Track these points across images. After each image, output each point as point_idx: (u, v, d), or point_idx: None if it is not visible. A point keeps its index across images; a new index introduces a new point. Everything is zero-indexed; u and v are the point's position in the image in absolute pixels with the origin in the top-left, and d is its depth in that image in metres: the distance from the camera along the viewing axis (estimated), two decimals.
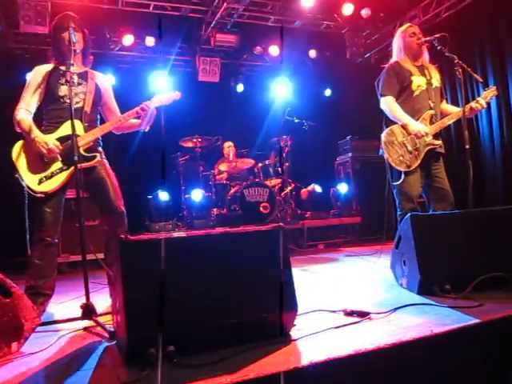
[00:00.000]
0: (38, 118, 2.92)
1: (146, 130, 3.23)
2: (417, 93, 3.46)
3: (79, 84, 2.99)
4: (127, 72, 7.55)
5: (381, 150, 3.51)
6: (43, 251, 2.80)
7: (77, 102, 2.93)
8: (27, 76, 2.95)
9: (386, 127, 3.51)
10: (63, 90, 2.91)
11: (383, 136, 3.47)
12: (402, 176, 3.38)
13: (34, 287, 2.76)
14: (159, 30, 6.91)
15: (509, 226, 2.78)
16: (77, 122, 2.85)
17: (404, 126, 3.42)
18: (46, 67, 2.97)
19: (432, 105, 3.47)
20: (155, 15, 6.71)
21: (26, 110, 2.87)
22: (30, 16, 5.72)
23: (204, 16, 7.01)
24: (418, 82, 3.47)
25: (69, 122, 2.76)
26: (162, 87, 7.22)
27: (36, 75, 2.93)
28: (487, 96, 3.54)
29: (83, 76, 3.04)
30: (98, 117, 3.16)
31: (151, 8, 6.59)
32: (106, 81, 3.25)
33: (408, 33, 3.55)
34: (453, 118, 3.49)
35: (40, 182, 2.79)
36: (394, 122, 3.47)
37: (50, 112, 2.93)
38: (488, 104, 3.61)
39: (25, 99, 2.89)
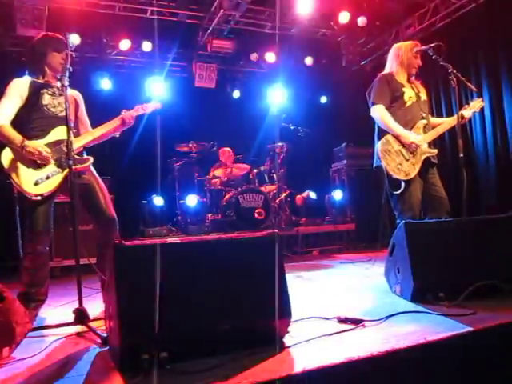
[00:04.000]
0: (19, 130, 2.87)
1: (118, 136, 3.27)
2: (409, 103, 3.48)
3: (60, 95, 3.02)
4: (124, 77, 7.55)
5: (377, 161, 3.49)
6: (34, 260, 2.80)
7: (61, 111, 2.98)
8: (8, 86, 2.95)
9: (378, 137, 3.51)
10: (46, 99, 2.96)
11: (379, 145, 3.46)
12: (403, 185, 3.36)
13: (27, 294, 2.75)
14: (156, 35, 6.92)
15: (503, 234, 2.80)
16: (66, 128, 2.87)
17: (396, 137, 3.43)
18: (26, 80, 2.98)
19: (424, 115, 3.51)
20: (152, 20, 6.73)
21: (4, 117, 2.83)
22: (27, 19, 5.70)
23: (201, 22, 7.03)
24: (409, 93, 3.50)
25: (58, 128, 2.90)
26: (159, 92, 7.23)
27: (16, 85, 2.93)
28: (475, 106, 3.61)
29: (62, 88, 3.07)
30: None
31: (148, 13, 6.61)
32: (80, 96, 3.28)
33: (413, 52, 3.54)
34: (445, 126, 3.53)
35: (36, 183, 2.77)
36: (386, 132, 3.48)
37: (34, 121, 2.91)
38: (480, 113, 3.65)
39: (4, 108, 2.86)
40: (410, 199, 3.36)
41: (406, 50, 3.58)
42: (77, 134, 3.07)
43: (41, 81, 2.99)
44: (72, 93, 3.16)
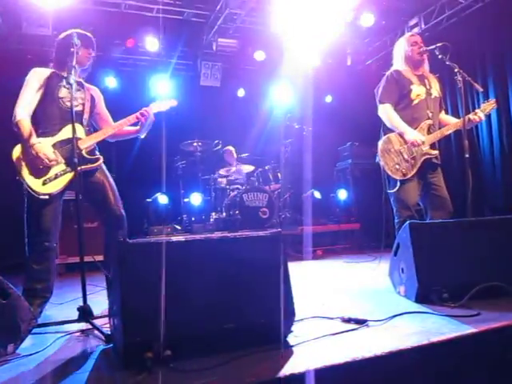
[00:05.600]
0: (36, 122, 2.89)
1: (142, 137, 3.27)
2: (416, 102, 3.46)
3: (78, 90, 3.00)
4: (129, 75, 7.57)
5: (377, 158, 3.51)
6: (41, 256, 2.79)
7: (76, 106, 2.94)
8: (27, 77, 2.95)
9: (384, 135, 3.51)
10: (63, 92, 2.94)
11: (380, 144, 3.47)
12: (398, 184, 3.38)
13: (32, 290, 2.76)
14: (161, 33, 6.93)
15: (508, 235, 2.78)
16: (78, 126, 2.86)
17: (401, 135, 3.42)
18: (46, 70, 2.99)
19: (430, 115, 3.47)
20: (158, 19, 6.74)
21: (26, 109, 2.84)
22: (33, 18, 5.74)
23: (206, 21, 7.04)
24: (417, 91, 3.47)
25: (70, 126, 2.80)
26: (164, 91, 7.23)
27: (36, 76, 2.94)
28: (486, 108, 3.53)
29: (80, 84, 3.08)
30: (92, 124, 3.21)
31: (154, 12, 6.61)
32: (98, 92, 3.28)
33: (410, 42, 3.55)
34: (450, 128, 3.50)
35: (44, 183, 2.77)
36: (391, 130, 3.47)
37: (49, 114, 2.91)
38: (487, 116, 3.59)
39: (25, 98, 2.86)
40: (405, 198, 3.37)
41: (402, 42, 3.61)
42: (90, 132, 3.05)
43: (62, 74, 2.96)
44: (90, 89, 3.17)
